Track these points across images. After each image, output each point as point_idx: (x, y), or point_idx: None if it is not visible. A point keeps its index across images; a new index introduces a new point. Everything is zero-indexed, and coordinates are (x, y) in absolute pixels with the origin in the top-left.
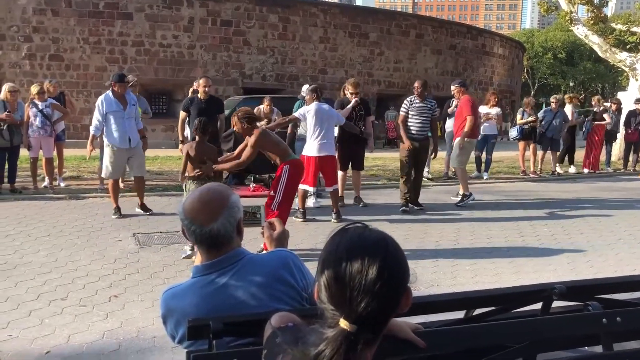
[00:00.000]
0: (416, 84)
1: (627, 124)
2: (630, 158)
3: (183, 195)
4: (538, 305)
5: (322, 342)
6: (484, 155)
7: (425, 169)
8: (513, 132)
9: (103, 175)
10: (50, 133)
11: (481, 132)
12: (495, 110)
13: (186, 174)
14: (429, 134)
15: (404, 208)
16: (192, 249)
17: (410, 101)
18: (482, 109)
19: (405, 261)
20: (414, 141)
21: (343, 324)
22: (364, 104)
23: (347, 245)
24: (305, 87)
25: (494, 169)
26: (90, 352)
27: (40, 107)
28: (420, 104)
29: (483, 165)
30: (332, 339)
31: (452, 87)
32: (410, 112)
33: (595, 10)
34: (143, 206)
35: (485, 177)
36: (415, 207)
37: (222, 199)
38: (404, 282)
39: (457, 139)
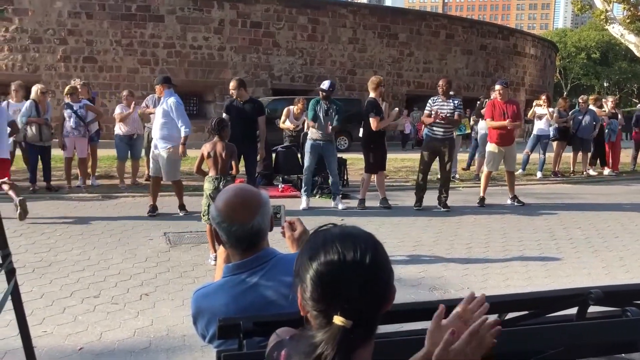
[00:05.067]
0: (441, 82)
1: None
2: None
3: (203, 196)
4: (572, 310)
5: (315, 347)
6: (534, 155)
7: (453, 170)
8: (550, 132)
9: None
10: (83, 134)
11: (534, 132)
12: (550, 110)
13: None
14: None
15: (417, 207)
16: (216, 258)
17: (433, 100)
18: (538, 110)
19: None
20: (436, 141)
21: (338, 320)
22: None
23: (335, 238)
24: (326, 83)
25: (528, 170)
26: (122, 349)
27: (74, 108)
28: (442, 103)
29: (538, 164)
30: (329, 339)
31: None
32: (432, 111)
33: (631, 9)
34: (181, 206)
35: (539, 176)
36: (442, 209)
37: (257, 196)
38: (392, 274)
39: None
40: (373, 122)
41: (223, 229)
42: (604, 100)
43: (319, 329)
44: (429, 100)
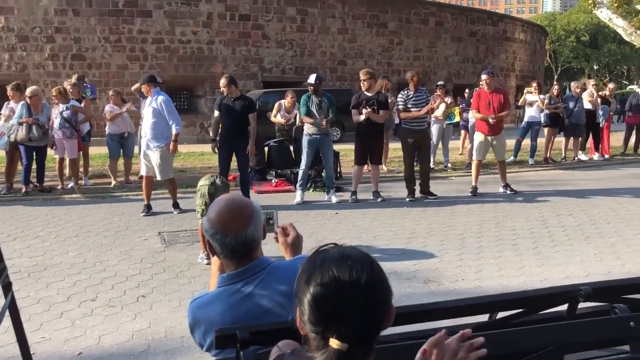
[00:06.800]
0: (412, 76)
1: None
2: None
3: (197, 196)
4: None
5: None
6: (526, 141)
7: (445, 159)
8: (541, 118)
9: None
10: (70, 135)
11: (525, 119)
12: (541, 97)
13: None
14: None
15: (410, 198)
16: (208, 257)
17: (407, 94)
18: (528, 97)
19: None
20: (415, 133)
21: (334, 343)
22: (378, 101)
23: (332, 260)
24: (312, 77)
25: (520, 157)
26: (121, 352)
27: (60, 109)
28: (417, 95)
29: (529, 151)
30: None
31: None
32: (408, 105)
33: None
34: (175, 205)
35: (530, 163)
36: (429, 197)
37: (249, 206)
38: (390, 294)
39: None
40: (353, 116)
41: (217, 241)
42: (589, 83)
43: (316, 350)
44: (401, 95)
